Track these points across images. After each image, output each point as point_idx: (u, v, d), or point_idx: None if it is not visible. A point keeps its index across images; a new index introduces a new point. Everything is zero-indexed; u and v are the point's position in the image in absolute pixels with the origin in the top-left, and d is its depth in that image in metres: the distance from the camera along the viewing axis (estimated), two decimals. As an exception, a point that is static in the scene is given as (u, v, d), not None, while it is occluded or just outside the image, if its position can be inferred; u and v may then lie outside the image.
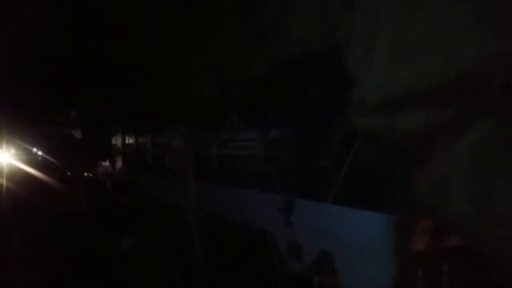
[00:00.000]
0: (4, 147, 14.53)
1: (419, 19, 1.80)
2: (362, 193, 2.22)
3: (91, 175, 10.39)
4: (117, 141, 7.68)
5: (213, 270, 3.63)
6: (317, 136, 2.49)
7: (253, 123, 3.07)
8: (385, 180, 2.10)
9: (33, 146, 17.40)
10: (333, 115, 2.27)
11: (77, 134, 12.35)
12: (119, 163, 7.55)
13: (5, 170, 12.92)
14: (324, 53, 2.20)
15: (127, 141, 6.97)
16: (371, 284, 2.25)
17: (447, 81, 1.72)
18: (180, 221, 4.35)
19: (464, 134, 1.71)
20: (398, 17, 1.89)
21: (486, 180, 1.66)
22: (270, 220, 2.93)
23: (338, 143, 2.30)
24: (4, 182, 11.28)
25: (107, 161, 8.65)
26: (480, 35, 1.58)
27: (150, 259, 4.98)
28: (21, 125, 13.82)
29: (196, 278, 3.90)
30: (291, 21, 2.38)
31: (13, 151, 16.14)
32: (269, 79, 2.73)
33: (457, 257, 2.13)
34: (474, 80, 1.63)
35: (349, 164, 2.24)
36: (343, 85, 2.12)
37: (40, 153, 17.54)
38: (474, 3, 1.59)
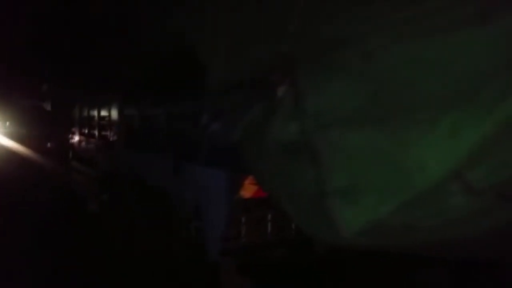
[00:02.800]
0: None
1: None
2: (217, 158, 2.97)
3: (59, 146, 10.99)
4: (79, 113, 8.25)
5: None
6: (194, 113, 3.22)
7: (159, 102, 3.80)
8: (229, 149, 2.84)
9: (6, 120, 17.57)
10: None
11: (48, 106, 12.88)
12: (78, 135, 8.17)
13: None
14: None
15: (85, 114, 7.58)
16: (220, 226, 3.03)
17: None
18: (112, 186, 5.12)
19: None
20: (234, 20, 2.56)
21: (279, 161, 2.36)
22: (169, 181, 3.68)
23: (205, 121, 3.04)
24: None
25: (71, 132, 9.23)
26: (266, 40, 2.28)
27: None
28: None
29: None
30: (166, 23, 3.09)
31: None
32: (164, 69, 3.43)
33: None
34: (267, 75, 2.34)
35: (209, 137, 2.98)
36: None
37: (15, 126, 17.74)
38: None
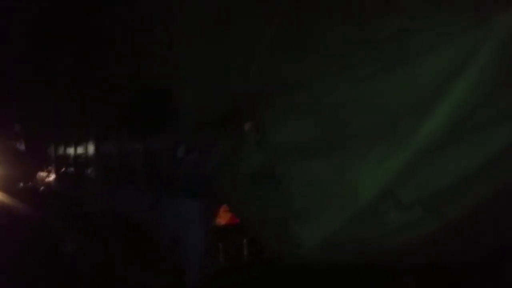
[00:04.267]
0: None
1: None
2: (192, 189, 3.20)
3: (33, 184, 10.88)
4: (54, 151, 8.31)
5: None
6: (169, 148, 3.45)
7: (135, 138, 4.03)
8: (204, 180, 3.08)
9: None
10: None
11: (21, 146, 12.76)
12: (54, 174, 8.20)
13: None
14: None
15: (61, 152, 7.65)
16: (198, 254, 3.23)
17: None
18: (89, 224, 5.23)
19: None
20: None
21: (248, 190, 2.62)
22: (146, 214, 3.85)
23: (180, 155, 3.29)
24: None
25: (46, 171, 9.22)
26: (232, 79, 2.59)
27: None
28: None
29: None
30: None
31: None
32: (140, 106, 3.69)
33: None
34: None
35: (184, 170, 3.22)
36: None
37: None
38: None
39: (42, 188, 9.67)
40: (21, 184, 11.70)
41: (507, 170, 1.62)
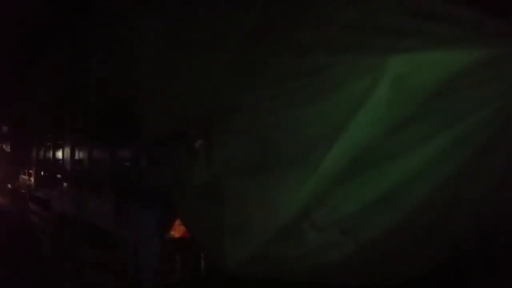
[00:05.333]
0: None
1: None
2: (152, 200, 3.32)
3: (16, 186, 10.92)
4: (36, 155, 8.39)
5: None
6: (133, 159, 3.59)
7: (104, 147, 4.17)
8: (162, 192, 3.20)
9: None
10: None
11: (7, 147, 12.82)
12: (35, 176, 8.27)
13: None
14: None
15: (41, 156, 7.75)
16: (155, 262, 3.33)
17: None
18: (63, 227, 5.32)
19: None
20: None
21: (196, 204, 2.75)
22: (111, 220, 3.96)
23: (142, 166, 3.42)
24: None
25: (28, 174, 9.28)
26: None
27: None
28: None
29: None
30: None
31: None
32: (109, 117, 3.84)
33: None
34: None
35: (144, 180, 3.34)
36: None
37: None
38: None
39: (23, 190, 9.74)
40: (9, 185, 11.77)
41: (413, 197, 1.77)
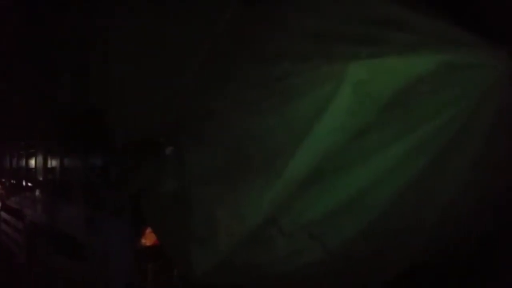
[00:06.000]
0: None
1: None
2: (121, 208, 3.27)
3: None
4: (8, 164, 8.18)
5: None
6: (103, 168, 3.53)
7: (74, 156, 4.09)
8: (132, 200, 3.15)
9: None
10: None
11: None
12: (8, 186, 8.04)
13: None
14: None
15: (14, 165, 7.55)
16: (125, 273, 3.27)
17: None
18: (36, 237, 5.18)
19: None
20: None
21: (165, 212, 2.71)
22: (81, 230, 3.88)
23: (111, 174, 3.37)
24: None
25: (0, 182, 9.02)
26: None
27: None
28: None
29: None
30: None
31: None
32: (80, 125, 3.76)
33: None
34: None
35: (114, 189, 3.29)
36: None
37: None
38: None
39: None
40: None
41: (376, 203, 1.78)
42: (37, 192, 5.39)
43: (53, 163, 4.78)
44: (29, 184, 5.99)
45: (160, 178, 2.68)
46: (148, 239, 3.14)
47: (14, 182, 7.15)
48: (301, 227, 1.83)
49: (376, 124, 1.60)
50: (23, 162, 6.39)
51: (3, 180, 8.29)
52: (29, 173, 6.05)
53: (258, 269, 2.02)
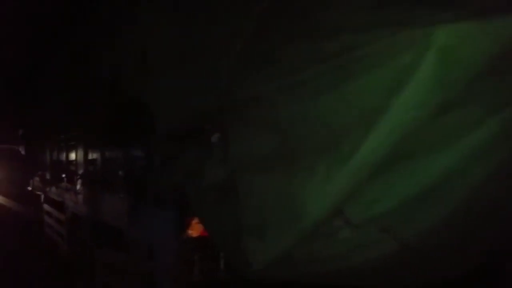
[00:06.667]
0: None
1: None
2: (166, 199, 3.17)
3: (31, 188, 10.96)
4: (49, 157, 8.37)
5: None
6: (145, 157, 3.44)
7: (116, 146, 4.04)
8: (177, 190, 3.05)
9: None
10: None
11: (23, 150, 12.90)
12: (49, 178, 8.24)
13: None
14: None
15: (55, 157, 7.71)
16: (171, 265, 3.18)
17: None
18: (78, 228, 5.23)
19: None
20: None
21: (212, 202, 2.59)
22: (124, 221, 3.83)
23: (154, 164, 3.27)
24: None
25: (43, 176, 9.27)
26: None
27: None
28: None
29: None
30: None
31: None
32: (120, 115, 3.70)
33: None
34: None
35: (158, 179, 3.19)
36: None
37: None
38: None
39: (37, 192, 9.73)
40: (29, 188, 11.85)
41: (458, 192, 1.56)
42: (78, 184, 5.43)
43: (93, 154, 4.78)
44: (70, 176, 6.07)
45: (206, 166, 2.55)
46: (194, 230, 3.04)
47: (56, 174, 7.29)
48: (371, 218, 1.64)
49: (465, 97, 1.38)
50: (64, 155, 6.48)
51: (45, 173, 8.51)
52: (70, 166, 6.12)
53: (318, 264, 1.85)
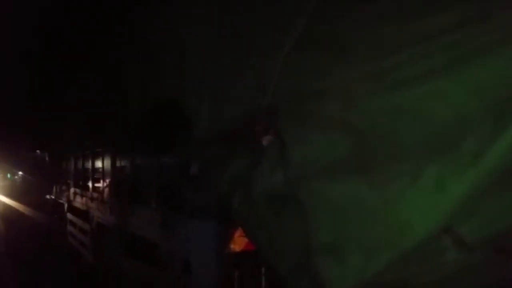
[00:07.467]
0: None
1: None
2: (205, 210, 2.88)
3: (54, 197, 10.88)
4: (74, 165, 8.24)
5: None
6: (181, 165, 3.17)
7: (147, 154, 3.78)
8: (215, 200, 2.76)
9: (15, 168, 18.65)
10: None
11: (47, 157, 12.92)
12: (73, 187, 8.09)
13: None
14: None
15: (80, 166, 7.56)
16: (210, 281, 2.88)
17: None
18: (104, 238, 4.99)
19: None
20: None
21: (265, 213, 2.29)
22: (157, 233, 3.56)
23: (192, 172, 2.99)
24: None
25: (66, 184, 9.15)
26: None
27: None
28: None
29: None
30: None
31: None
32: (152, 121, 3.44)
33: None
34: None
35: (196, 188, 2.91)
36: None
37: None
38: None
39: (61, 201, 9.62)
40: (48, 197, 11.81)
41: None
42: (105, 193, 5.22)
43: (122, 162, 4.56)
44: (96, 185, 5.87)
45: (256, 173, 2.26)
46: (237, 244, 2.74)
47: (81, 183, 7.13)
48: (486, 237, 1.31)
49: None
50: (90, 162, 6.30)
51: (69, 181, 8.37)
52: (96, 174, 5.93)
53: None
